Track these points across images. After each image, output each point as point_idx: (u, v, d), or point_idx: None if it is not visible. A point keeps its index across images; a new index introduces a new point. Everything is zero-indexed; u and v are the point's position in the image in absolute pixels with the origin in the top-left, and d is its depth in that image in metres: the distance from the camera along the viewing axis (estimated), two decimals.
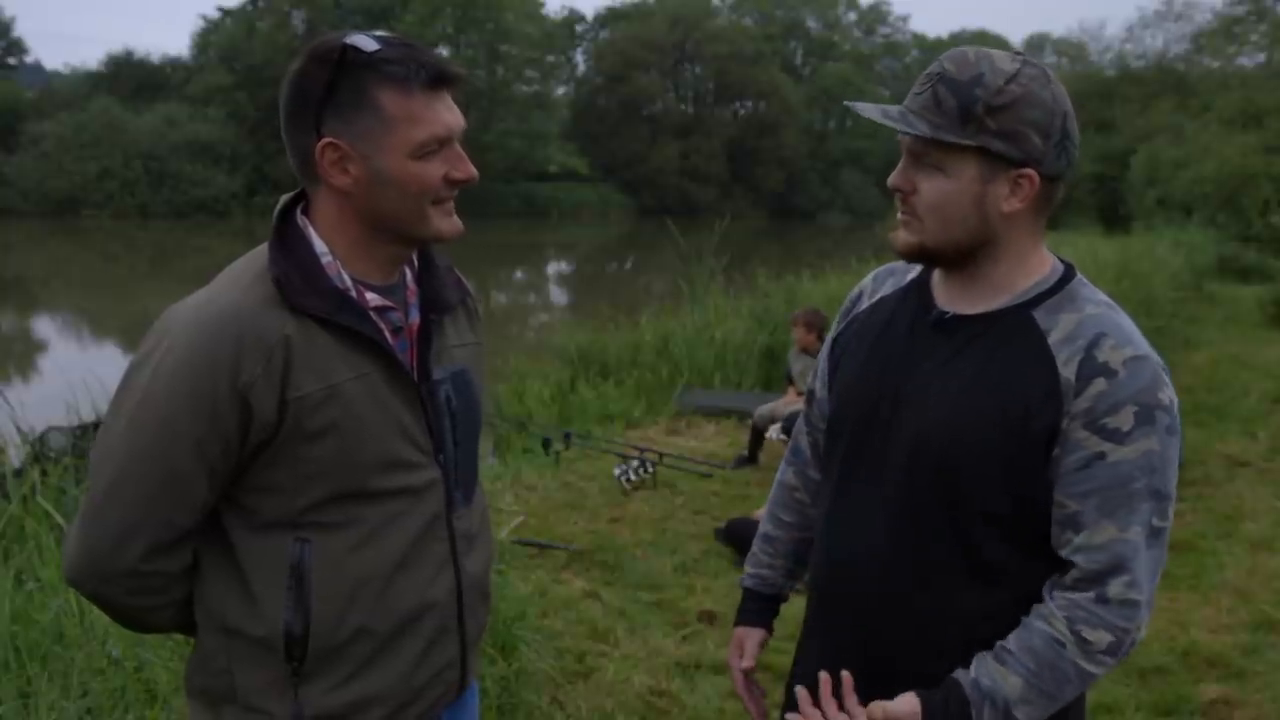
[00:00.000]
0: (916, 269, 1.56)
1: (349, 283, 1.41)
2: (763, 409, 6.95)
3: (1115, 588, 1.35)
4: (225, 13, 49.25)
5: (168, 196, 40.51)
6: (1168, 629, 4.14)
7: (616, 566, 4.80)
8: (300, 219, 1.43)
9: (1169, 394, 1.37)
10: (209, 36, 48.63)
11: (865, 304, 1.63)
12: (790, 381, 7.08)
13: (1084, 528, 1.36)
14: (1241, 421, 7.74)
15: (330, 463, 1.37)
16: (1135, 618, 1.36)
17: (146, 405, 1.33)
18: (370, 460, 1.39)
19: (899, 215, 1.45)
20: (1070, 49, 42.94)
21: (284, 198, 1.46)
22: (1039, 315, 1.40)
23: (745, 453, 6.86)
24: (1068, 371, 1.35)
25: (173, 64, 49.54)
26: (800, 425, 1.77)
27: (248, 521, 1.40)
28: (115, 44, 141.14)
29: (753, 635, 1.76)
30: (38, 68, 58.31)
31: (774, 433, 6.63)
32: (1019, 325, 1.41)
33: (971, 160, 1.37)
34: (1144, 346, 1.37)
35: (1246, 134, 21.53)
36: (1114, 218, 28.85)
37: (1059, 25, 77.12)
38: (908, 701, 1.39)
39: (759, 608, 1.78)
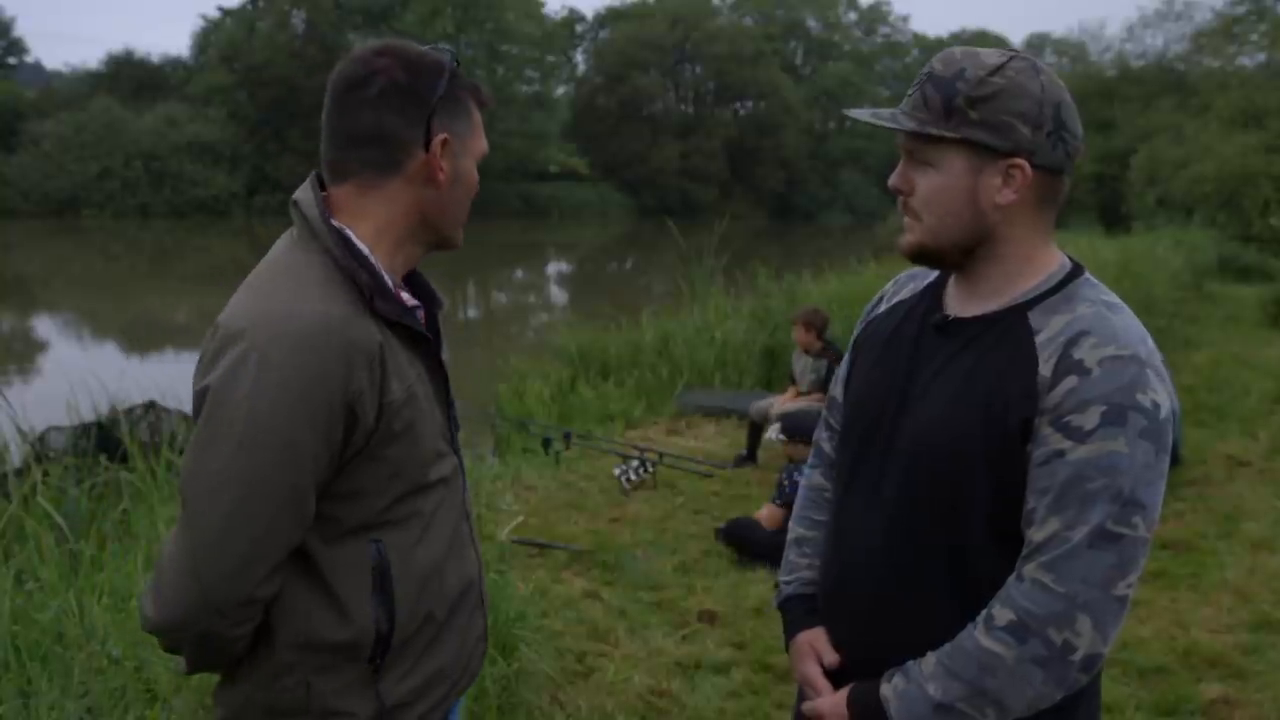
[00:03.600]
0: (936, 273, 1.57)
1: (392, 284, 1.44)
2: (758, 403, 6.97)
3: (1030, 568, 1.33)
4: (225, 13, 49.30)
5: (168, 196, 40.55)
6: (1168, 629, 4.14)
7: (616, 566, 4.80)
8: (335, 221, 1.42)
9: (1152, 397, 1.31)
10: (209, 36, 48.65)
11: (883, 308, 1.64)
12: (793, 381, 7.08)
13: (1033, 524, 1.34)
14: (1241, 421, 7.74)
15: (404, 460, 1.42)
16: (1047, 606, 1.30)
17: (256, 423, 1.29)
18: (427, 453, 1.46)
19: (904, 219, 1.46)
20: (1070, 49, 42.86)
21: (309, 199, 1.42)
22: (1034, 316, 1.40)
23: (745, 451, 6.87)
24: (1046, 370, 1.34)
25: (173, 64, 49.66)
26: (820, 430, 1.76)
27: (325, 531, 1.39)
28: (115, 44, 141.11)
29: (819, 634, 1.60)
30: (38, 68, 58.36)
31: (773, 433, 6.63)
32: (1013, 327, 1.40)
33: (959, 153, 1.38)
34: (1132, 347, 1.33)
35: (1246, 134, 21.49)
36: (1114, 218, 28.85)
37: (1059, 25, 77.13)
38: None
39: (807, 609, 1.65)
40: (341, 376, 1.31)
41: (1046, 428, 1.33)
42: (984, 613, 1.36)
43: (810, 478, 1.76)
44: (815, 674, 1.56)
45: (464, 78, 1.47)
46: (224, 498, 1.30)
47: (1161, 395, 1.32)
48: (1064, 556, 1.30)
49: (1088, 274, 1.45)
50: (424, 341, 1.46)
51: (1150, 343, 1.37)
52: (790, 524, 1.76)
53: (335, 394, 1.31)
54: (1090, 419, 1.30)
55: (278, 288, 1.36)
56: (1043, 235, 1.44)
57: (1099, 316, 1.37)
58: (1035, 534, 1.33)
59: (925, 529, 1.43)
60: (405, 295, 1.48)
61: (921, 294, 1.57)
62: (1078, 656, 1.31)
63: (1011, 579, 1.35)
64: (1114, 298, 1.43)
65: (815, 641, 1.59)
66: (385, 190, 1.43)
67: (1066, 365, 1.33)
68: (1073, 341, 1.34)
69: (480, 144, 1.50)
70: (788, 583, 1.71)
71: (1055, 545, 1.31)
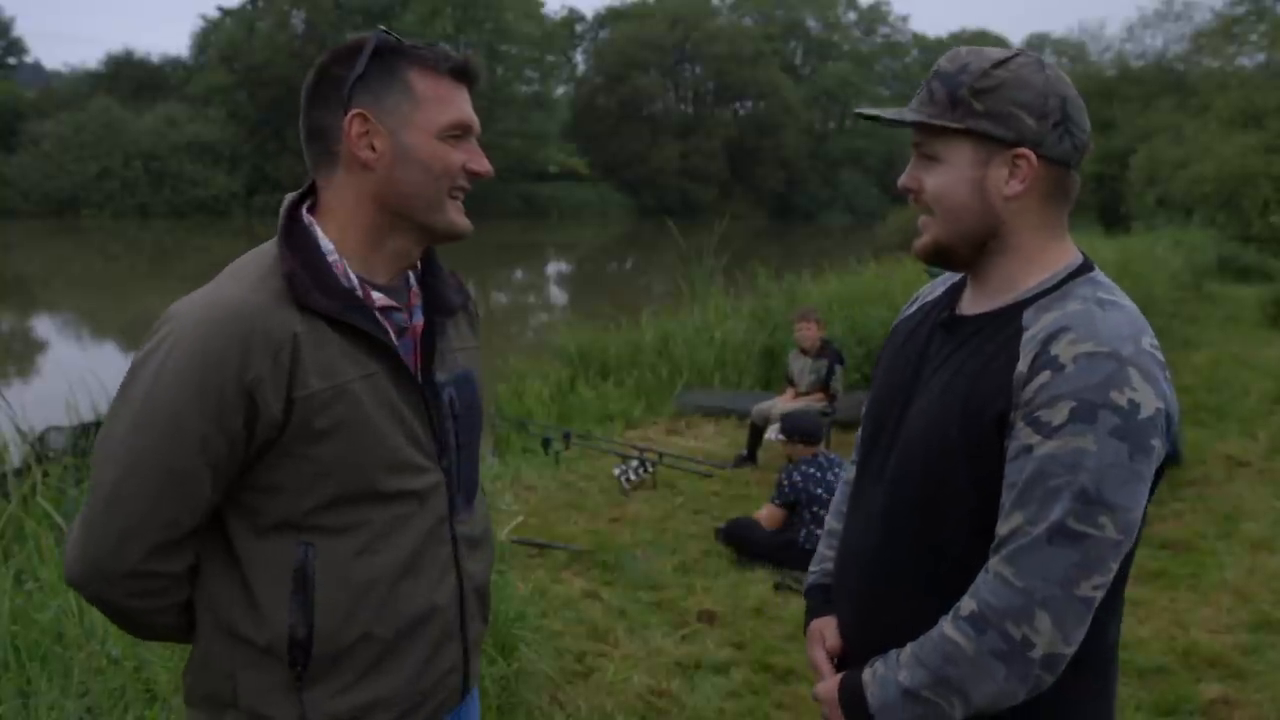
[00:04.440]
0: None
1: (355, 282, 1.41)
2: (760, 405, 6.97)
3: (994, 561, 1.33)
4: (225, 13, 49.34)
5: (168, 196, 40.62)
6: (1168, 629, 4.14)
7: (616, 566, 4.80)
8: (306, 217, 1.43)
9: (1130, 397, 1.28)
10: (209, 36, 48.71)
11: (914, 307, 1.65)
12: (791, 383, 7.08)
13: (1000, 518, 1.34)
14: (1241, 421, 7.74)
15: (337, 462, 1.36)
16: (1006, 600, 1.29)
17: (151, 403, 1.31)
18: (378, 461, 1.39)
19: (920, 220, 1.46)
20: (1070, 49, 42.82)
21: (289, 196, 1.46)
22: (1028, 314, 1.39)
23: (745, 451, 6.87)
24: (1023, 365, 1.34)
25: (173, 64, 49.72)
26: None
27: (251, 524, 1.38)
28: (115, 44, 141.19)
29: (829, 622, 1.64)
30: (38, 68, 58.39)
31: (773, 433, 6.63)
32: (1006, 324, 1.40)
33: (965, 145, 1.39)
34: (1113, 344, 1.30)
35: (1246, 134, 21.48)
36: (1114, 218, 28.86)
37: (1059, 25, 76.89)
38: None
39: (825, 597, 1.69)
40: (237, 363, 1.30)
41: (1019, 423, 1.33)
42: (956, 604, 1.37)
43: (849, 472, 1.78)
44: (821, 659, 1.60)
45: (407, 49, 1.40)
46: (111, 469, 1.34)
47: (1145, 395, 1.29)
48: (1023, 550, 1.30)
49: (1095, 272, 1.43)
50: (379, 343, 1.39)
51: (1144, 342, 1.33)
52: (827, 517, 1.81)
53: (229, 380, 1.30)
54: (1059, 415, 1.29)
55: (220, 279, 1.39)
56: (1051, 230, 1.44)
57: (1086, 313, 1.35)
58: (1000, 528, 1.34)
59: (915, 523, 1.44)
60: (379, 295, 1.43)
61: (944, 294, 1.59)
62: (1037, 654, 1.30)
63: (981, 572, 1.36)
64: (1114, 295, 1.40)
65: (825, 628, 1.63)
66: (334, 184, 1.43)
67: (1042, 361, 1.32)
68: (1052, 337, 1.33)
69: (435, 114, 1.40)
70: (813, 572, 1.76)
71: (1017, 539, 1.31)
